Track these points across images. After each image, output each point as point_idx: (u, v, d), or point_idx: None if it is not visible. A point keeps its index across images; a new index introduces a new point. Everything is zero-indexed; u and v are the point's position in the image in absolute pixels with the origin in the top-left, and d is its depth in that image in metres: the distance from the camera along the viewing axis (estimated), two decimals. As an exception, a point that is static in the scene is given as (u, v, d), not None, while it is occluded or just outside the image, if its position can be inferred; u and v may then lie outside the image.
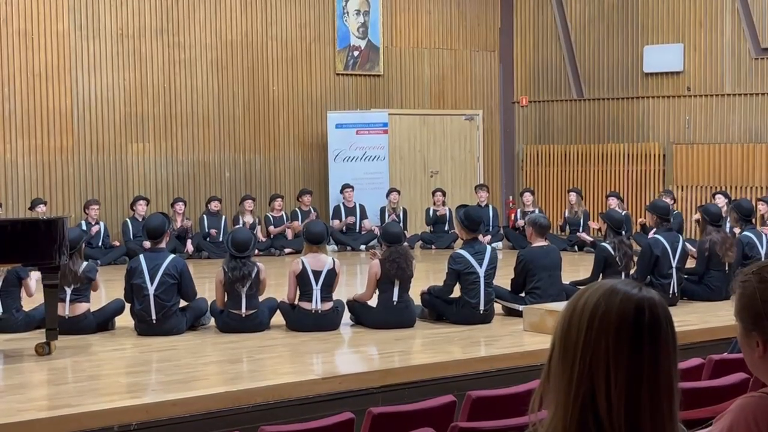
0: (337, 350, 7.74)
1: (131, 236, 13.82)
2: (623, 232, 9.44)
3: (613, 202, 14.33)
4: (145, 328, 8.12)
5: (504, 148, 17.91)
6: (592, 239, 14.28)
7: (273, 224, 14.87)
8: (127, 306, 8.34)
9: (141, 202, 14.07)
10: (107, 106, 14.60)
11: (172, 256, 8.33)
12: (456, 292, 8.56)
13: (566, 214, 15.41)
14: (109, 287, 10.17)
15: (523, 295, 8.82)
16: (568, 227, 15.27)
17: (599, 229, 14.17)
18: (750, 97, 15.60)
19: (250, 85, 15.71)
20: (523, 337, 7.92)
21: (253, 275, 8.19)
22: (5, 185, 13.91)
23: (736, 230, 10.62)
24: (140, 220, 13.62)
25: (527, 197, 15.31)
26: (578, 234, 14.81)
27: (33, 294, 8.46)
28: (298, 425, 4.60)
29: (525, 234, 9.66)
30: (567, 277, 9.38)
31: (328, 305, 8.27)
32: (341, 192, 15.41)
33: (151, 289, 8.06)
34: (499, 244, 15.00)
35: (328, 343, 7.84)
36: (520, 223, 14.15)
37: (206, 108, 15.38)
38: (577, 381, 1.65)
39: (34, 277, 8.32)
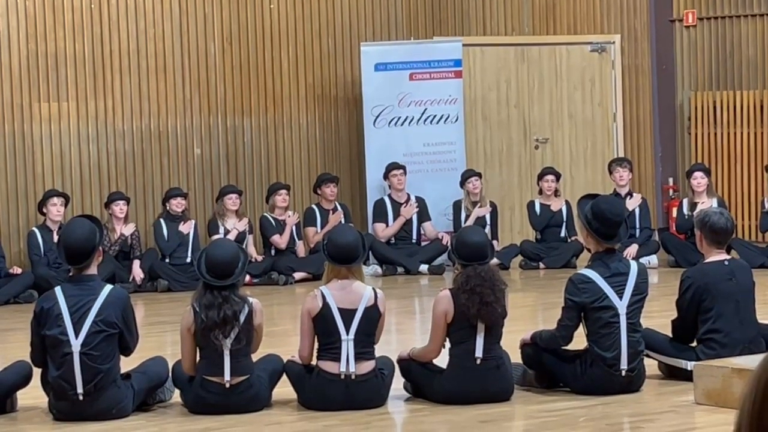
0: (383, 443, 7.85)
1: (42, 256, 13.99)
2: None
3: None
4: (66, 408, 8.18)
5: (658, 96, 17.85)
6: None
7: (276, 230, 14.97)
8: (37, 372, 8.40)
9: (55, 200, 14.21)
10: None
11: (108, 287, 8.43)
12: (578, 341, 8.58)
13: (765, 204, 15.30)
14: (3, 342, 10.27)
15: (693, 343, 8.86)
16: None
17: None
18: None
19: (233, 4, 15.78)
20: (694, 414, 7.98)
21: (242, 319, 8.26)
22: None
23: None
24: (55, 230, 13.78)
25: (698, 180, 15.25)
26: None
27: None
28: None
29: (695, 240, 9.69)
30: (766, 312, 9.27)
31: (367, 366, 8.37)
32: (386, 177, 15.53)
33: (76, 344, 8.12)
34: (653, 259, 15.15)
35: (369, 430, 7.94)
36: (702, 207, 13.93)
37: (162, 44, 15.48)
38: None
39: None
